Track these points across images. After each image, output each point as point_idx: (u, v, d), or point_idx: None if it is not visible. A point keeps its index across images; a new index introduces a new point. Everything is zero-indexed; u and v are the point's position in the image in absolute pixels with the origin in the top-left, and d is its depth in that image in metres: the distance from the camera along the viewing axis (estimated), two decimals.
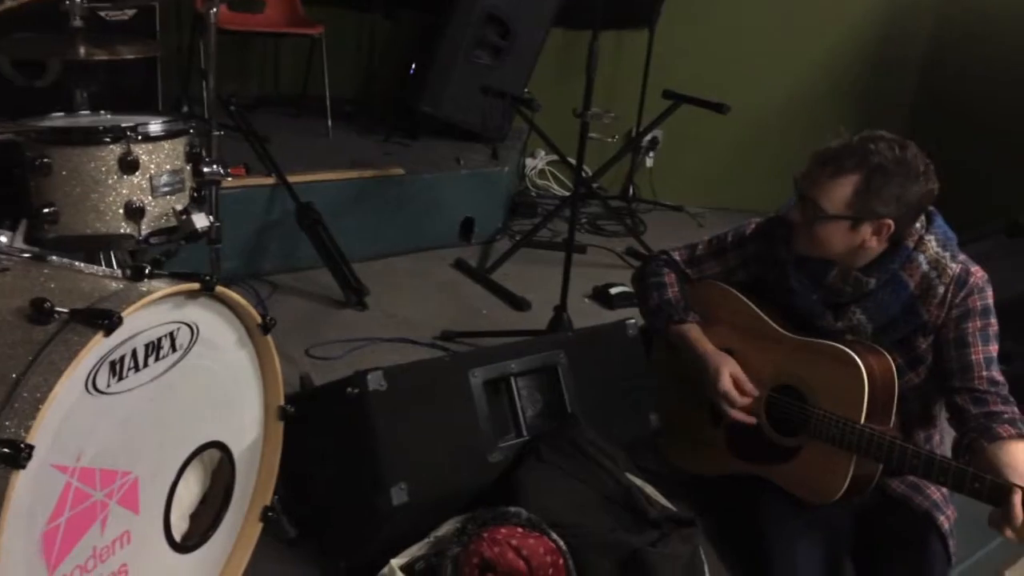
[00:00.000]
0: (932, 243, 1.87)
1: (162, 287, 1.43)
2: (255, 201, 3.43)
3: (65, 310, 1.33)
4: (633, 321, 2.15)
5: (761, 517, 1.90)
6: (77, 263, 1.67)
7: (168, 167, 1.85)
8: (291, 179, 3.41)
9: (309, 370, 2.71)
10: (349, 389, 1.71)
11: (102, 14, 3.90)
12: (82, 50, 2.07)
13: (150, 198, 1.82)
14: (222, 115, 3.14)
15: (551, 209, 4.14)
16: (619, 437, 1.95)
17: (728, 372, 1.98)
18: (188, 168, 1.92)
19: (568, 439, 1.84)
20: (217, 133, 2.12)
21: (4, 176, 1.82)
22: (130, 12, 4.09)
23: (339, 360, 2.87)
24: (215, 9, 2.12)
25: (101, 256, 1.89)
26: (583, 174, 3.96)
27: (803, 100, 4.82)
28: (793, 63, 4.81)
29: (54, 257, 1.72)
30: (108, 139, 1.77)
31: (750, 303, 2.06)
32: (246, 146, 3.46)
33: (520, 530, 1.59)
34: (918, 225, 1.87)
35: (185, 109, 4.11)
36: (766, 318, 2.03)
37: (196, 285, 1.48)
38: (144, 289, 1.42)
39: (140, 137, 1.79)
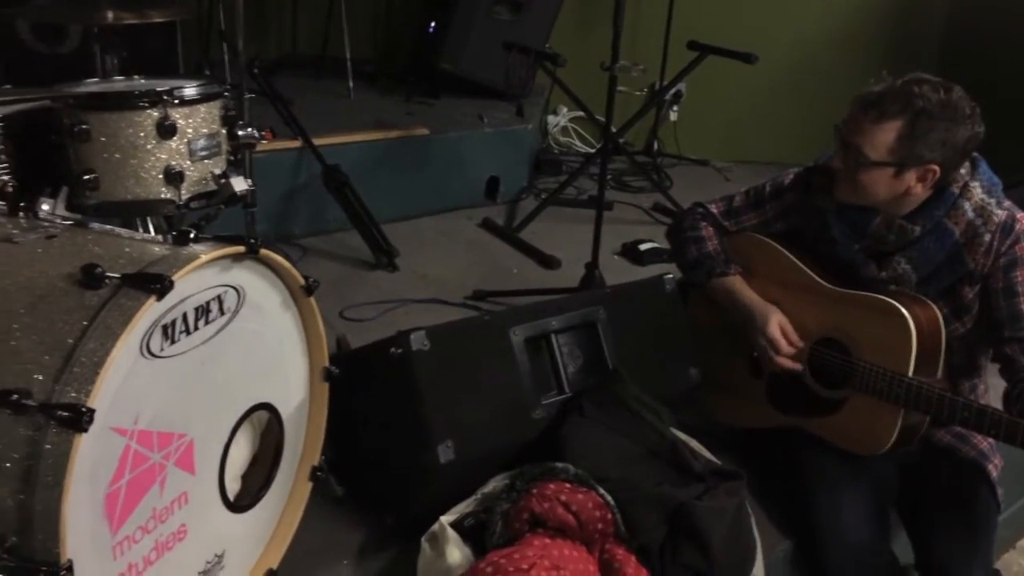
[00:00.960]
0: (977, 189, 1.84)
1: (209, 250, 1.44)
2: (282, 165, 3.42)
3: (116, 275, 1.33)
4: (671, 276, 2.14)
5: (804, 469, 1.90)
6: (121, 229, 1.68)
7: (205, 131, 1.84)
8: (316, 142, 3.39)
9: (344, 332, 2.73)
10: (393, 349, 1.71)
11: None
12: (110, 15, 2.05)
13: (188, 162, 1.82)
14: (246, 79, 3.14)
15: (576, 166, 4.11)
16: (660, 392, 1.95)
17: (775, 320, 1.97)
18: (224, 132, 1.91)
19: (611, 394, 1.84)
20: (249, 95, 2.10)
21: (42, 143, 1.82)
22: None
23: (373, 321, 2.88)
24: None
25: (138, 222, 1.90)
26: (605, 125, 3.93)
27: (829, 49, 4.74)
28: (818, 10, 4.72)
29: (95, 224, 1.73)
30: (145, 103, 1.76)
31: (790, 254, 2.05)
32: (271, 110, 3.45)
33: (568, 486, 1.60)
34: (963, 171, 1.84)
35: (207, 74, 4.09)
36: (807, 270, 2.01)
37: (241, 248, 1.49)
38: (191, 253, 1.43)
39: (177, 101, 1.78)
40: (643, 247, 3.50)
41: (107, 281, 1.33)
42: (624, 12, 2.77)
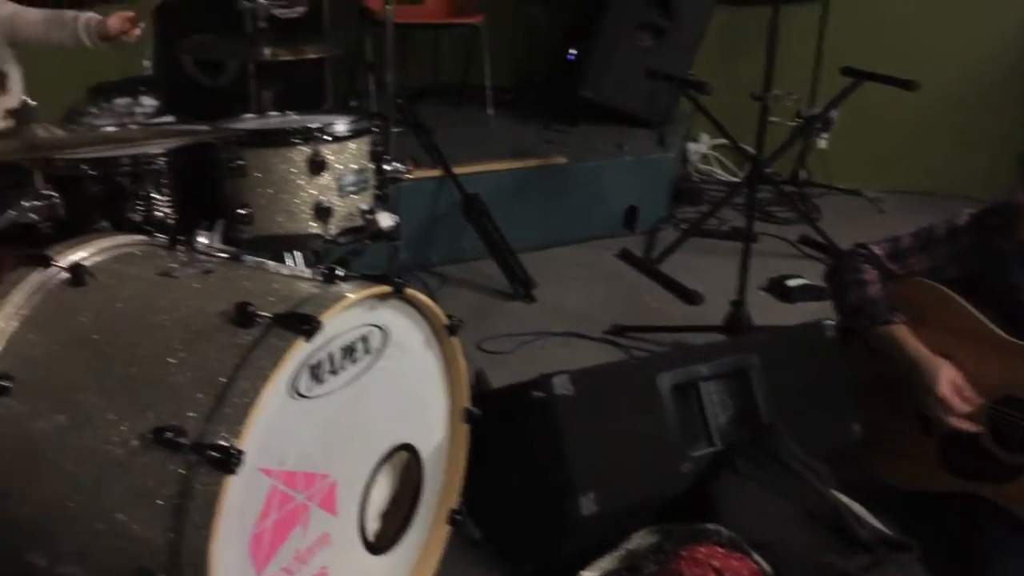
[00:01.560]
0: None
1: (356, 291, 1.43)
2: (423, 193, 3.45)
3: (267, 314, 1.34)
4: (830, 322, 2.00)
5: (983, 542, 1.72)
6: (270, 263, 1.70)
7: (354, 166, 1.85)
8: (456, 170, 3.41)
9: (481, 365, 2.70)
10: (535, 393, 1.66)
11: (275, 12, 4.03)
12: (267, 51, 2.10)
13: (337, 198, 1.83)
14: (389, 108, 3.19)
15: (717, 195, 3.97)
16: (818, 448, 1.82)
17: (947, 377, 1.81)
18: (371, 167, 1.92)
19: (766, 450, 1.72)
20: (396, 130, 2.10)
21: (201, 177, 1.87)
22: (300, 9, 4.20)
23: (510, 355, 2.84)
24: (391, 6, 2.11)
25: (287, 255, 1.92)
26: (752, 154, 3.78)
27: (997, 73, 4.42)
28: (986, 32, 4.41)
29: (248, 257, 1.76)
30: (298, 140, 1.79)
31: (966, 303, 1.87)
32: (413, 139, 3.49)
33: (720, 550, 1.49)
34: None
35: (353, 104, 4.20)
36: (985, 320, 1.84)
37: (387, 288, 1.47)
38: (339, 292, 1.42)
39: (328, 138, 1.80)
40: (791, 283, 3.33)
41: (258, 320, 1.34)
42: (778, 38, 2.65)
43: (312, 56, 2.11)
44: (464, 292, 3.34)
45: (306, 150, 1.79)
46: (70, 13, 2.09)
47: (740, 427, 1.80)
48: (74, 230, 1.66)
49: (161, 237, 1.71)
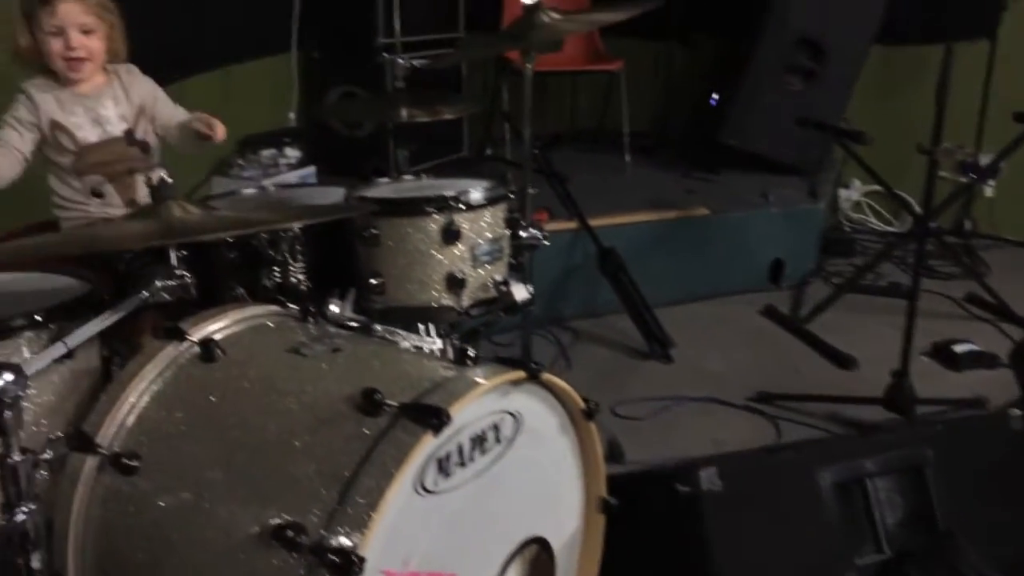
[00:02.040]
0: None
1: (489, 377, 1.33)
2: (557, 245, 3.33)
3: (395, 403, 1.26)
4: (1018, 412, 1.76)
5: None
6: (401, 336, 1.64)
7: (488, 235, 1.78)
8: (592, 222, 3.31)
9: (614, 431, 2.57)
10: (680, 487, 1.51)
11: (415, 64, 4.08)
12: (404, 112, 2.07)
13: (471, 268, 1.76)
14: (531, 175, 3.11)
15: (872, 247, 3.71)
16: (1002, 559, 1.59)
17: None
18: (507, 234, 1.84)
19: (943, 561, 1.52)
20: (532, 191, 2.02)
21: (334, 244, 1.84)
22: (442, 64, 4.23)
23: (645, 421, 2.70)
24: (531, 64, 2.05)
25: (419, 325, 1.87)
26: (913, 208, 3.51)
27: None
28: None
29: (379, 328, 1.71)
30: (432, 210, 1.73)
31: None
32: (547, 188, 3.42)
33: None
34: None
35: (489, 152, 4.19)
36: None
37: (522, 374, 1.37)
38: (470, 379, 1.33)
39: (463, 207, 1.73)
40: (959, 349, 3.04)
41: (386, 408, 1.26)
42: (950, 87, 2.42)
43: (448, 116, 2.05)
44: (597, 349, 3.21)
45: (440, 219, 1.72)
46: (186, 118, 2.12)
47: (912, 532, 1.60)
48: (210, 296, 1.65)
49: (293, 307, 1.67)
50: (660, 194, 3.81)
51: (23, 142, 1.95)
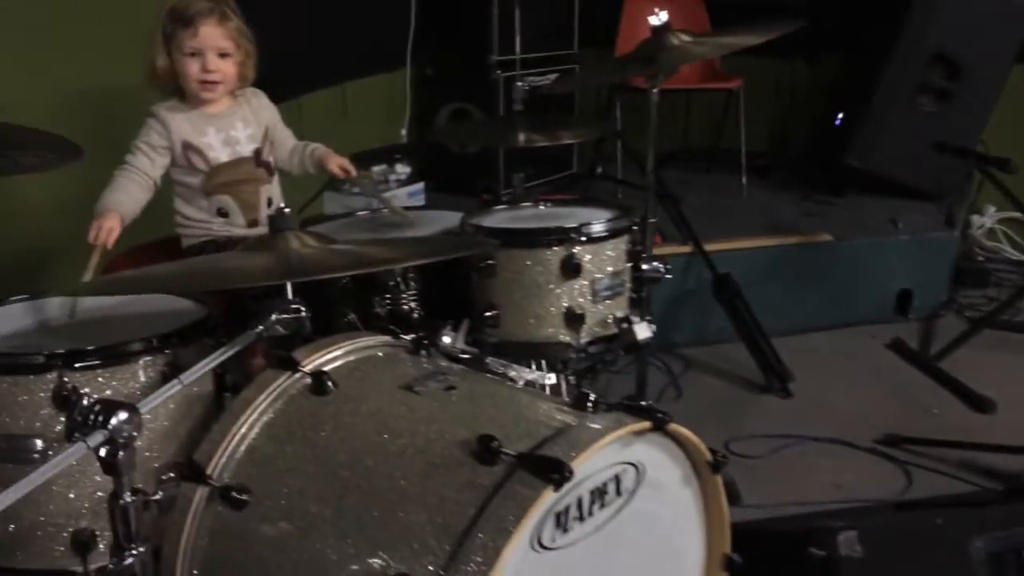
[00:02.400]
0: None
1: (612, 427, 1.25)
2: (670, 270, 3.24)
3: (512, 453, 1.19)
4: None
5: None
6: (515, 371, 1.57)
7: (610, 269, 1.69)
8: (707, 246, 3.18)
9: (729, 470, 2.43)
10: (815, 550, 1.39)
11: (528, 82, 4.04)
12: (522, 137, 2.01)
13: (590, 303, 1.68)
14: (637, 176, 3.01)
15: (1008, 278, 3.45)
16: None
17: None
18: (628, 268, 1.75)
19: None
20: (652, 220, 1.93)
21: (448, 272, 1.78)
22: (551, 77, 4.18)
23: (763, 460, 2.55)
24: (657, 89, 1.95)
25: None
26: None
27: None
28: None
29: (492, 361, 1.64)
30: (552, 241, 1.65)
31: None
32: (660, 210, 3.30)
33: None
34: None
35: (599, 171, 4.10)
36: None
37: (647, 424, 1.28)
38: (593, 428, 1.25)
39: (584, 239, 1.65)
40: None
41: (503, 457, 1.20)
42: None
43: (569, 141, 1.98)
44: (710, 380, 3.08)
45: (560, 252, 1.65)
46: (302, 143, 2.16)
47: None
48: (321, 321, 1.62)
49: (405, 338, 1.62)
50: (778, 217, 3.65)
51: (154, 168, 1.97)
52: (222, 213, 1.95)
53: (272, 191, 2.11)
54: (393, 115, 4.05)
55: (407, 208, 2.20)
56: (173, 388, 1.16)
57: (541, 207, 1.94)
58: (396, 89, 4.01)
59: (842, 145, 3.95)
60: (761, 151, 4.42)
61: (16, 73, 2.36)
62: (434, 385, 1.42)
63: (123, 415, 0.99)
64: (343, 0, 3.51)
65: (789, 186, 4.11)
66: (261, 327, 1.26)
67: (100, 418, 0.98)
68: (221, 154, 2.03)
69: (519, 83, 2.07)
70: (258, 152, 2.07)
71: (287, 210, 1.29)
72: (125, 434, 0.99)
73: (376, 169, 3.86)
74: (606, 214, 1.76)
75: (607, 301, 1.70)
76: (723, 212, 3.74)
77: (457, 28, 3.90)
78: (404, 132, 4.04)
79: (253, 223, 2.07)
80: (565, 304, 1.66)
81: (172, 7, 1.94)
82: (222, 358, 1.23)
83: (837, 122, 4.08)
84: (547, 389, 1.73)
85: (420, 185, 3.91)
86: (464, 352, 1.64)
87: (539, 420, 1.31)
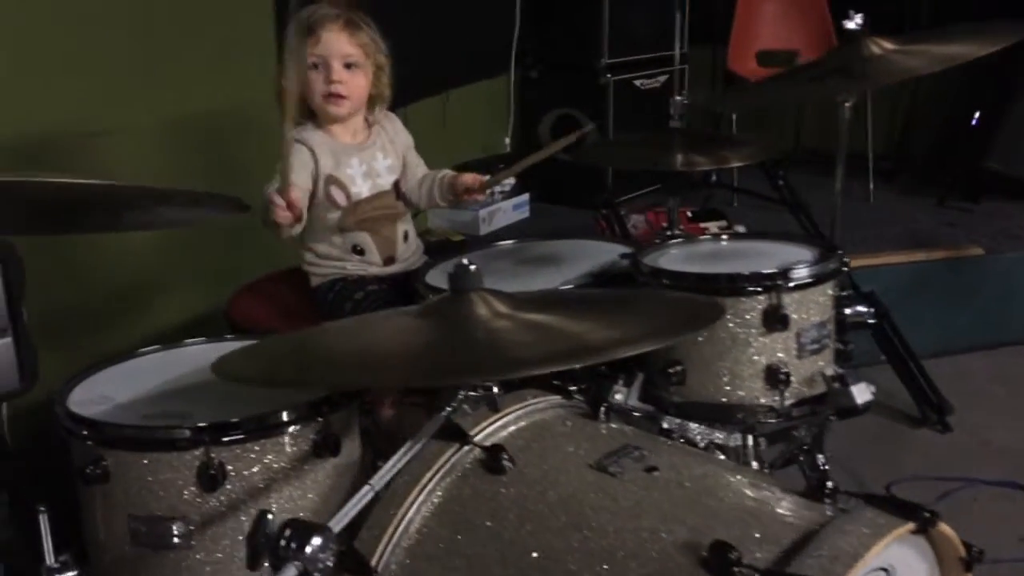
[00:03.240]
0: None
1: (871, 535, 1.03)
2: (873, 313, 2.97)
3: (757, 567, 0.98)
4: None
5: None
6: (692, 426, 1.35)
7: (816, 319, 1.45)
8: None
9: None
10: None
11: (636, 83, 3.81)
12: (679, 159, 1.79)
13: (795, 358, 1.44)
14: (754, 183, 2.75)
15: None
16: None
17: None
18: (833, 315, 1.50)
19: None
20: (846, 261, 1.65)
21: None
22: (661, 79, 3.95)
23: (932, 507, 2.28)
24: (849, 104, 1.70)
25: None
26: None
27: None
28: None
29: (669, 422, 1.43)
30: (754, 289, 1.42)
31: None
32: (782, 217, 3.06)
33: None
34: None
35: (714, 178, 3.84)
36: None
37: (911, 526, 1.06)
38: (848, 535, 1.03)
39: (791, 285, 1.41)
40: None
41: (743, 572, 0.98)
42: None
43: (736, 165, 1.75)
44: None
45: (763, 301, 1.42)
46: (432, 172, 1.95)
47: None
48: None
49: (578, 398, 1.42)
50: (915, 227, 3.36)
51: (304, 199, 1.78)
52: (358, 251, 1.77)
53: (407, 225, 1.93)
54: (495, 123, 3.86)
55: (540, 239, 1.99)
56: (365, 496, 0.97)
57: (722, 241, 1.70)
58: (498, 95, 3.82)
59: (979, 147, 3.63)
60: (882, 154, 4.11)
61: (119, 97, 2.27)
62: (631, 464, 1.21)
63: (318, 541, 0.81)
64: (447, 4, 3.32)
65: (919, 191, 3.80)
66: (449, 409, 1.06)
67: (292, 545, 0.80)
68: (363, 188, 1.87)
69: (678, 97, 1.82)
70: (397, 184, 1.91)
71: (473, 267, 1.10)
72: (321, 565, 0.80)
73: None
74: (803, 252, 1.53)
75: (813, 355, 1.46)
76: (853, 221, 3.44)
77: (564, 28, 3.69)
78: (507, 140, 3.84)
79: (389, 260, 1.91)
80: (765, 360, 1.44)
81: (296, 17, 1.76)
82: (411, 453, 1.04)
83: (974, 122, 3.75)
84: (726, 452, 1.50)
85: (525, 197, 3.72)
86: (636, 410, 1.44)
87: (775, 518, 1.10)
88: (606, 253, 1.79)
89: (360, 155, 1.87)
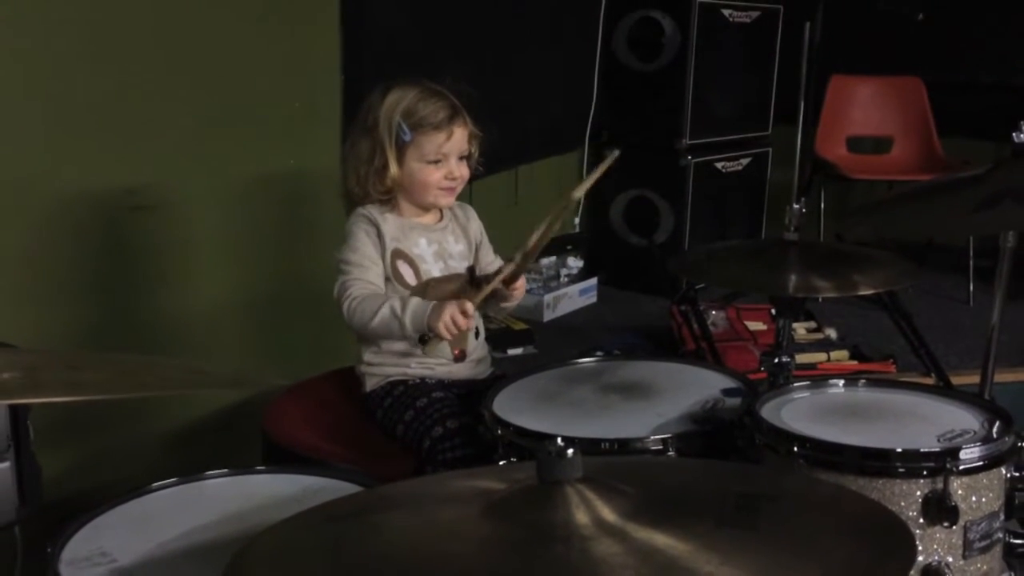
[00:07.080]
0: None
1: None
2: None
3: None
4: None
5: None
6: None
7: (987, 510, 1.16)
8: (955, 379, 2.60)
9: None
10: None
11: (718, 165, 3.59)
12: (793, 280, 1.54)
13: (960, 558, 1.15)
14: None
15: None
16: None
17: None
18: (1001, 504, 1.20)
19: None
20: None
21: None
22: (744, 161, 3.73)
23: None
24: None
25: None
26: None
27: None
28: None
29: None
30: (914, 471, 1.13)
31: None
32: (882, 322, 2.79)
33: None
34: None
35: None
36: None
37: None
38: None
39: (960, 467, 1.12)
40: None
41: None
42: None
43: (867, 292, 1.50)
44: None
45: (925, 486, 1.13)
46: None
47: None
48: None
49: None
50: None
51: (380, 279, 1.67)
52: (424, 340, 1.55)
53: (478, 320, 1.73)
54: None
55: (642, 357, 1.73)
56: None
57: (859, 388, 1.40)
58: (569, 173, 3.62)
59: None
60: (981, 249, 3.79)
61: (188, 162, 2.26)
62: None
63: None
64: (524, 77, 3.15)
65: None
66: None
67: None
68: (433, 268, 1.71)
69: (795, 205, 1.57)
70: (472, 269, 1.74)
71: (571, 452, 0.85)
72: None
73: (545, 262, 3.46)
74: (964, 417, 1.24)
75: (981, 554, 1.17)
76: (956, 329, 3.15)
77: (644, 106, 3.49)
78: (577, 221, 3.62)
79: (460, 356, 1.73)
80: (922, 559, 1.14)
81: (407, 111, 1.66)
82: None
83: None
84: None
85: (593, 281, 3.50)
86: None
87: None
88: (705, 385, 1.52)
89: (429, 235, 1.74)
